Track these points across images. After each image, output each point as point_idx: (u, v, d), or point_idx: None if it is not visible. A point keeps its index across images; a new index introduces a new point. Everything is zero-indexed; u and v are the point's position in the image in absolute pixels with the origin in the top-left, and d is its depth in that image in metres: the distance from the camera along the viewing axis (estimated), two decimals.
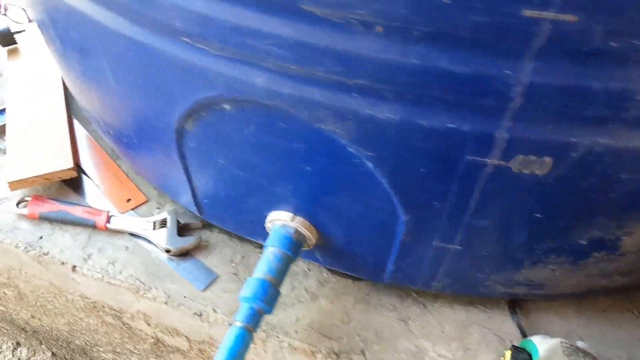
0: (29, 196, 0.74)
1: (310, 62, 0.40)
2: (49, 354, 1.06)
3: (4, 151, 0.82)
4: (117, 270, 0.68)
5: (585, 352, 0.52)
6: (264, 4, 0.38)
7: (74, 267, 0.68)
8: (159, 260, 0.69)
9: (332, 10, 0.37)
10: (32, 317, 0.89)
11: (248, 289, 0.56)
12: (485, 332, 0.64)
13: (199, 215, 0.71)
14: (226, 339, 0.53)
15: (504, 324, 0.65)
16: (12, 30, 0.96)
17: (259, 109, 0.48)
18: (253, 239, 0.70)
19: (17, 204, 0.74)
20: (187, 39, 0.45)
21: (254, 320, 0.55)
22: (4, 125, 0.84)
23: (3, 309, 0.92)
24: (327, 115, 0.44)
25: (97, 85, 0.63)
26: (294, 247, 0.59)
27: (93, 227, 0.72)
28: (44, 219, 0.72)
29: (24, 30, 0.99)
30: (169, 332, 0.71)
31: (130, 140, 0.68)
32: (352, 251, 0.62)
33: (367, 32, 0.37)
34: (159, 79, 0.51)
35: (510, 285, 0.61)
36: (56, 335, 0.93)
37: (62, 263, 0.68)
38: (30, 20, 1.07)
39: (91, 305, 0.74)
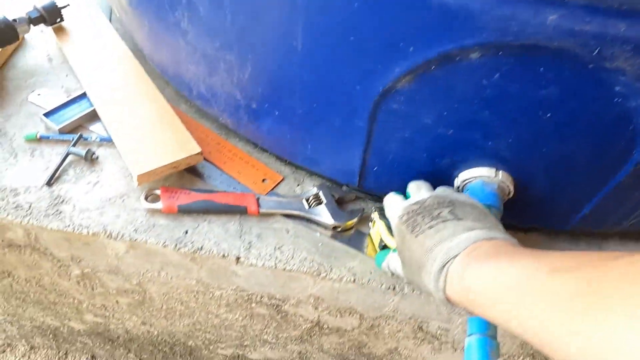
0: (155, 189, 0.66)
1: None
2: None
3: (103, 143, 0.72)
4: (288, 255, 0.62)
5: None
6: None
7: (238, 258, 0.62)
8: (327, 239, 0.64)
9: None
10: (143, 323, 0.81)
11: None
12: None
13: (354, 187, 0.67)
14: None
15: None
16: (59, 5, 0.82)
17: (516, 54, 0.44)
18: None
19: (146, 198, 0.65)
20: None
21: None
22: (92, 112, 0.73)
23: (99, 320, 0.83)
24: (622, 52, 0.41)
25: (261, 54, 0.55)
26: (501, 202, 0.57)
27: (241, 213, 0.65)
28: (184, 211, 0.64)
29: (68, 5, 0.85)
30: (340, 312, 0.67)
31: (285, 112, 0.61)
32: (546, 201, 0.60)
33: None
34: (386, 34, 0.46)
35: None
36: (164, 339, 0.85)
37: (223, 256, 0.61)
38: None
39: (244, 298, 0.68)
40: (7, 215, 0.62)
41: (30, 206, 0.63)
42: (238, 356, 0.86)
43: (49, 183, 0.66)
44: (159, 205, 0.64)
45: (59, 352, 1.01)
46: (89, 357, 1.00)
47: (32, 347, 1.01)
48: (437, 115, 0.52)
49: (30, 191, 0.65)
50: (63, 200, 0.65)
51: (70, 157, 0.69)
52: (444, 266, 0.41)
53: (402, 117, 0.54)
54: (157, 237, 0.62)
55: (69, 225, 0.62)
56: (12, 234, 0.64)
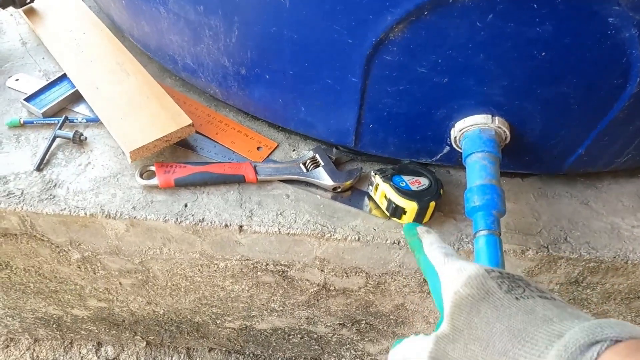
0: (149, 165, 0.65)
1: None
2: (143, 344, 0.99)
3: (89, 123, 0.70)
4: (290, 220, 0.62)
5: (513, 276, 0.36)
6: None
7: (241, 227, 0.61)
8: (328, 200, 0.64)
9: None
10: (148, 303, 0.80)
11: (478, 197, 0.53)
12: None
13: (350, 147, 0.66)
14: (481, 250, 0.51)
15: None
16: None
17: None
18: (414, 160, 0.66)
19: (141, 175, 0.64)
20: None
21: (497, 224, 0.53)
22: (74, 93, 0.71)
23: (103, 304, 0.82)
24: None
25: (248, 15, 0.54)
26: (499, 148, 0.57)
27: (239, 182, 0.65)
28: (181, 185, 0.63)
29: None
30: (346, 273, 0.67)
31: (276, 75, 0.60)
32: (542, 144, 0.61)
33: None
34: None
35: None
36: (170, 318, 0.85)
37: (226, 226, 0.61)
38: None
39: (249, 267, 0.68)
40: (0, 204, 0.61)
41: (22, 193, 0.62)
42: (246, 327, 0.87)
43: (39, 168, 0.64)
44: (154, 181, 0.63)
45: (64, 342, 1.00)
46: (95, 344, 1.00)
47: (35, 340, 1.00)
48: (432, 64, 0.52)
49: (20, 177, 0.63)
50: (55, 184, 0.63)
51: (57, 141, 0.67)
52: (589, 347, 0.28)
53: (396, 69, 0.53)
54: (157, 213, 0.61)
55: (64, 209, 0.61)
56: (7, 222, 0.63)
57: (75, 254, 0.68)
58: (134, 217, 0.61)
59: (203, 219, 0.61)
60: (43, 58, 0.78)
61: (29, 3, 0.80)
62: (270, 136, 0.71)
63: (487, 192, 0.53)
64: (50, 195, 0.62)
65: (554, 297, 0.34)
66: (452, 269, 0.38)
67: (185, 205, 0.62)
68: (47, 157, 0.66)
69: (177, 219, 0.61)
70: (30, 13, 0.81)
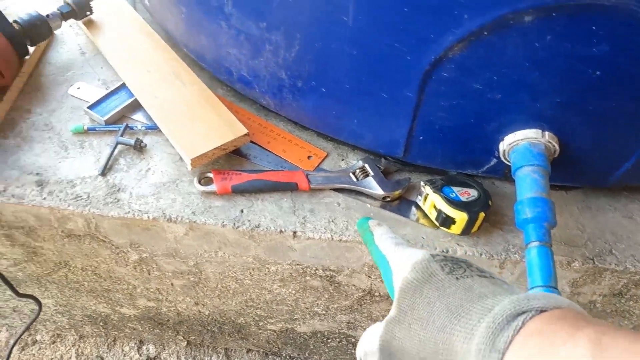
0: (206, 172, 0.68)
1: None
2: (184, 343, 1.02)
3: (148, 131, 0.73)
4: (342, 227, 0.64)
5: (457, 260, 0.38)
6: None
7: (295, 233, 0.64)
8: (377, 209, 0.67)
9: None
10: (195, 304, 0.83)
11: (529, 210, 0.55)
12: None
13: (399, 158, 0.69)
14: (533, 261, 0.53)
15: None
16: None
17: (569, 14, 0.46)
18: (461, 171, 0.68)
19: (199, 182, 0.67)
20: None
21: (548, 236, 0.54)
22: (133, 101, 0.75)
23: (152, 304, 0.85)
24: None
25: (310, 32, 0.57)
26: (548, 162, 0.59)
27: (292, 190, 0.67)
28: (237, 191, 0.66)
29: None
30: None
31: (332, 88, 0.62)
32: (589, 158, 0.62)
33: None
34: (441, 3, 0.47)
35: None
36: (214, 319, 0.88)
37: (281, 232, 0.64)
38: None
39: (299, 271, 0.70)
40: (68, 206, 0.64)
41: (88, 196, 0.65)
42: (286, 330, 0.89)
43: (103, 173, 0.68)
44: (212, 187, 0.66)
45: (107, 340, 1.04)
46: (137, 342, 1.04)
47: (81, 336, 1.04)
48: (487, 81, 0.54)
49: (86, 182, 0.67)
50: (119, 189, 0.66)
51: (118, 147, 0.71)
52: (515, 317, 0.29)
53: (451, 85, 0.56)
54: (215, 217, 0.64)
55: (128, 212, 0.64)
56: (73, 224, 0.66)
57: (134, 255, 0.71)
58: (194, 222, 0.64)
59: (259, 224, 0.64)
60: (101, 67, 0.82)
61: (88, 15, 0.85)
62: (319, 146, 0.74)
63: (538, 205, 0.55)
64: (115, 199, 0.65)
65: (493, 276, 0.36)
66: (402, 257, 0.40)
67: (242, 211, 0.65)
68: (110, 162, 0.69)
69: (234, 224, 0.64)
70: (89, 24, 0.85)
